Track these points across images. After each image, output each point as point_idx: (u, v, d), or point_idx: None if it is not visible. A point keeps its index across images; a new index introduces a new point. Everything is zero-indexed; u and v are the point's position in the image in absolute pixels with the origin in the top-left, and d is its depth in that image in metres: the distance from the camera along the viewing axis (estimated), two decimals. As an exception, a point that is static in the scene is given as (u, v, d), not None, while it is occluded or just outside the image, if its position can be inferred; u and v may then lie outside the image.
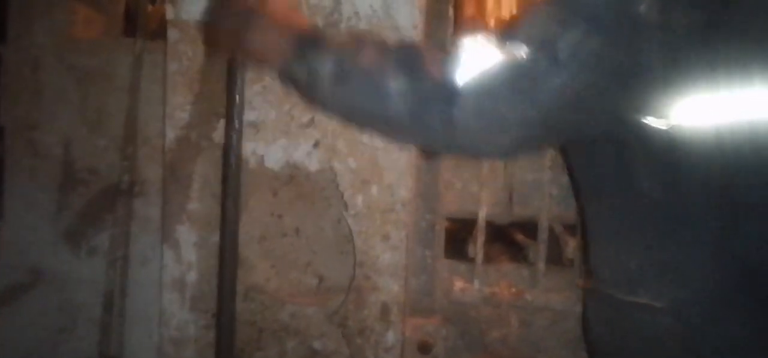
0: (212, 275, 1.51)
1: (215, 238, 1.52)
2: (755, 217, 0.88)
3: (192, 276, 1.52)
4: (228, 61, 1.30)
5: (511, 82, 0.89)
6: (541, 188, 1.69)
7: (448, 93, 0.91)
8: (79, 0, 1.95)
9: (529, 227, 1.90)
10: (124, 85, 1.76)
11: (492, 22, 1.87)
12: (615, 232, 1.01)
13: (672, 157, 0.89)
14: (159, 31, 1.84)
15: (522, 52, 0.89)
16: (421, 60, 0.95)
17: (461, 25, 1.70)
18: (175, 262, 1.52)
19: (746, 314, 0.89)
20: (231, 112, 1.27)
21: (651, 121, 0.89)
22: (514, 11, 1.89)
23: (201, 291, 1.53)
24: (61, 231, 1.80)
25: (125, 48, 1.78)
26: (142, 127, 1.75)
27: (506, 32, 0.93)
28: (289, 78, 1.06)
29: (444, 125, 0.93)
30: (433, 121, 0.94)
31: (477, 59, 0.91)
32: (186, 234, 1.51)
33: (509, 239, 2.16)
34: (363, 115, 1.03)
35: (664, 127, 0.88)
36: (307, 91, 1.04)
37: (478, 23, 1.75)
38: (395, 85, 0.94)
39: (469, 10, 1.80)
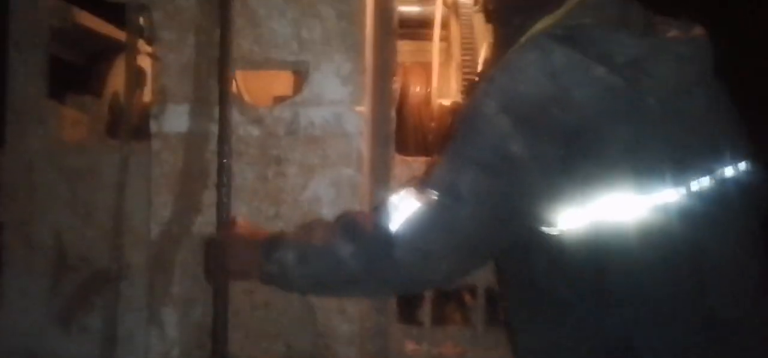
0: (193, 348, 1.73)
1: (194, 316, 1.75)
2: (623, 302, 1.13)
3: (175, 352, 1.74)
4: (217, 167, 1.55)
5: (431, 221, 1.15)
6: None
7: (387, 243, 1.16)
8: (68, 105, 2.20)
9: (473, 290, 2.17)
10: (110, 182, 1.99)
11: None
12: (525, 314, 1.28)
13: (558, 256, 1.15)
14: (142, 126, 2.08)
15: (433, 196, 1.16)
16: (360, 224, 1.21)
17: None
18: (160, 340, 1.74)
19: None
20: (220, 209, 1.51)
21: (541, 229, 1.15)
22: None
23: (183, 364, 1.74)
24: (54, 314, 2.00)
25: (111, 150, 2.01)
26: (127, 219, 1.97)
27: (422, 182, 1.20)
28: (267, 278, 1.32)
29: (391, 269, 1.18)
30: (382, 269, 1.19)
31: (403, 211, 1.17)
32: (169, 315, 1.74)
33: (461, 300, 2.43)
34: (328, 284, 1.28)
35: (551, 233, 1.14)
36: (282, 282, 1.31)
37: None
38: (345, 251, 1.19)
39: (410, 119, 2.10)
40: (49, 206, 2.01)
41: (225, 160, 1.51)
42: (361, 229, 1.20)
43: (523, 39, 1.24)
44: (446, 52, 3.51)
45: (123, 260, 1.97)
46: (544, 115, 1.13)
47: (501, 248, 1.24)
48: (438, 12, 3.17)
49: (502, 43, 1.34)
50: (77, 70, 2.44)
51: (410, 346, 1.95)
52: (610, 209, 1.12)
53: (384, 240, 1.16)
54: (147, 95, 2.25)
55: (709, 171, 1.16)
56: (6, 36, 2.01)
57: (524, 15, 1.26)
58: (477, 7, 3.88)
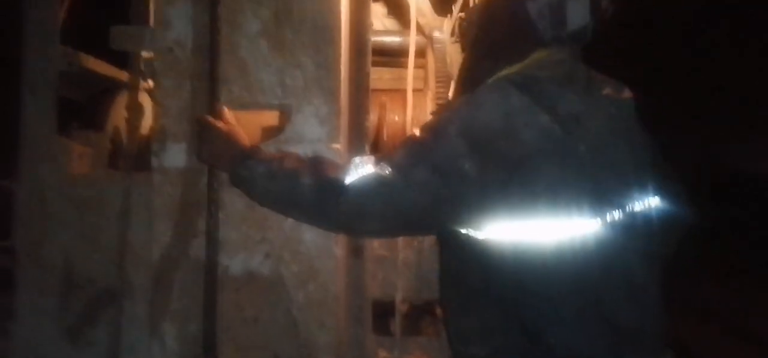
0: (190, 358, 1.96)
1: (191, 329, 1.98)
2: (535, 302, 1.38)
3: (174, 361, 1.97)
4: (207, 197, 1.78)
5: (376, 189, 1.40)
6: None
7: (338, 188, 1.42)
8: (73, 139, 2.43)
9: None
10: (115, 209, 2.22)
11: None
12: (457, 304, 1.52)
13: (485, 256, 1.39)
14: (142, 156, 2.30)
15: (386, 171, 1.40)
16: (325, 167, 1.47)
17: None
18: (161, 352, 1.96)
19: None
20: (210, 234, 1.75)
21: (471, 232, 1.40)
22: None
23: (182, 373, 1.97)
24: (63, 329, 2.22)
25: (115, 181, 2.24)
26: (130, 243, 2.20)
27: (381, 157, 1.45)
28: (235, 178, 1.57)
29: (334, 210, 1.43)
30: (327, 206, 1.44)
31: (360, 170, 1.42)
32: (169, 329, 1.96)
33: (432, 312, 2.67)
34: (283, 203, 1.53)
35: (479, 237, 1.39)
36: (246, 186, 1.56)
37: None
38: (306, 180, 1.45)
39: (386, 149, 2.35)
40: (58, 231, 2.23)
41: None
42: (323, 170, 1.46)
43: (489, 80, 1.50)
44: (423, 81, 3.75)
45: (126, 280, 2.19)
46: (494, 146, 1.38)
47: (419, 232, 1.51)
48: (412, 44, 3.42)
49: (472, 77, 1.59)
50: (80, 106, 2.67)
51: (383, 354, 2.18)
52: (532, 229, 1.37)
53: (337, 185, 1.42)
54: (145, 129, 2.49)
55: (621, 206, 1.42)
56: (19, 79, 2.24)
57: (493, 61, 1.52)
58: (452, 39, 4.15)
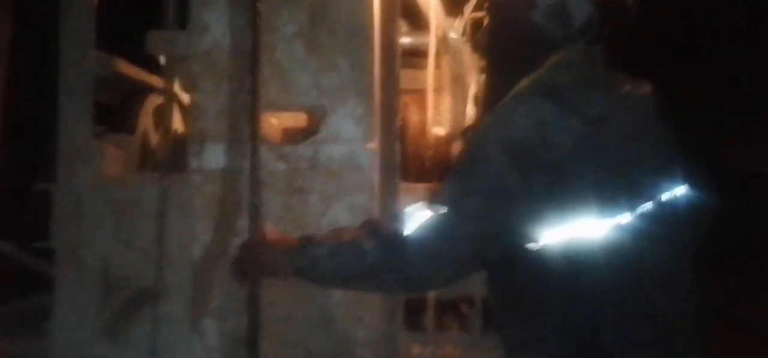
0: (232, 354, 2.00)
1: (230, 327, 2.02)
2: (589, 301, 1.41)
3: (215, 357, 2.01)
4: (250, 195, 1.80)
5: (438, 231, 1.43)
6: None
7: (402, 243, 1.43)
8: (108, 143, 2.48)
9: (471, 301, 2.46)
10: (150, 210, 2.26)
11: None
12: (511, 313, 1.56)
13: (539, 265, 1.43)
14: (173, 158, 2.35)
15: (442, 211, 1.44)
16: (382, 228, 1.49)
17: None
18: (202, 348, 2.01)
19: None
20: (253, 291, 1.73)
21: (527, 244, 1.44)
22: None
23: (222, 369, 2.01)
24: (102, 328, 2.26)
25: (150, 182, 2.29)
26: (166, 244, 2.24)
27: (432, 198, 1.48)
28: (298, 271, 1.57)
29: (403, 266, 1.44)
30: (396, 264, 1.44)
31: (416, 220, 1.45)
32: (210, 326, 2.01)
33: (456, 310, 2.72)
34: (352, 276, 1.53)
35: (534, 248, 1.43)
36: (311, 274, 1.56)
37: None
38: (368, 246, 1.46)
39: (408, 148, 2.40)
40: (95, 233, 2.28)
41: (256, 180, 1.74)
42: (383, 230, 1.48)
43: (512, 92, 1.55)
44: (438, 81, 3.81)
45: (163, 280, 2.24)
46: (533, 156, 1.42)
47: (492, 259, 1.52)
48: (432, 45, 3.47)
49: (494, 95, 1.63)
50: (110, 110, 2.72)
51: (416, 349, 2.23)
52: (580, 229, 1.41)
53: (400, 241, 1.43)
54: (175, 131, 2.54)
55: (651, 198, 1.47)
56: (57, 85, 2.29)
57: (511, 75, 1.57)
58: (465, 40, 4.21)
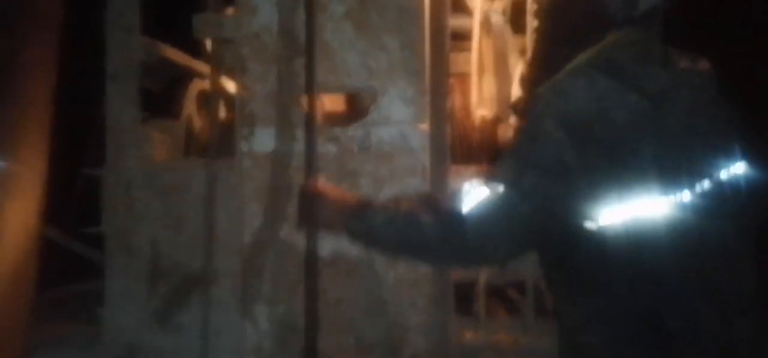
0: (282, 340, 1.98)
1: (280, 312, 2.00)
2: (652, 281, 1.36)
3: (267, 343, 2.00)
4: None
5: (496, 209, 1.39)
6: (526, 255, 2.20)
7: (460, 220, 1.40)
8: (154, 128, 2.48)
9: (520, 286, 2.41)
10: (198, 195, 2.25)
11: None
12: (568, 293, 1.51)
13: (598, 245, 1.38)
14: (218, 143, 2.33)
15: (500, 189, 1.40)
16: (440, 203, 1.46)
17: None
18: (254, 333, 1.99)
19: (643, 350, 1.37)
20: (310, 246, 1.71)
21: (585, 223, 1.39)
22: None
23: (274, 353, 2.00)
24: (151, 313, 2.27)
25: (197, 167, 2.28)
26: (215, 228, 2.23)
27: (489, 176, 1.44)
28: (351, 233, 1.56)
29: (461, 243, 1.41)
30: (453, 240, 1.42)
31: (474, 197, 1.42)
32: (261, 311, 1.99)
33: (505, 296, 2.67)
34: (406, 246, 1.51)
35: (593, 227, 1.38)
36: (365, 238, 1.54)
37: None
38: (426, 220, 1.43)
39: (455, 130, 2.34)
40: (144, 218, 2.28)
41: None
42: (441, 206, 1.45)
43: (569, 66, 1.49)
44: (480, 63, 3.74)
45: (212, 265, 2.23)
46: (591, 131, 1.37)
47: (549, 237, 1.48)
48: (476, 27, 3.40)
49: (549, 67, 1.58)
50: (154, 95, 2.72)
51: (468, 335, 2.18)
52: (642, 207, 1.36)
53: (458, 218, 1.40)
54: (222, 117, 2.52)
55: (711, 175, 1.41)
56: (104, 70, 2.29)
57: (571, 47, 1.51)
58: (506, 20, 4.12)
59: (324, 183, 1.67)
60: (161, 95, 2.72)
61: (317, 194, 1.63)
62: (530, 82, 1.73)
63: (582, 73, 1.44)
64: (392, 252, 1.59)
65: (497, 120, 2.89)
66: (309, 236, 1.71)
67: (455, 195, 1.44)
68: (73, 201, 2.58)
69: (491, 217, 1.39)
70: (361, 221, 1.52)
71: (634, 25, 1.48)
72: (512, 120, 2.84)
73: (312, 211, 1.62)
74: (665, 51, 1.53)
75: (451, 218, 1.42)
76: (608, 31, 1.49)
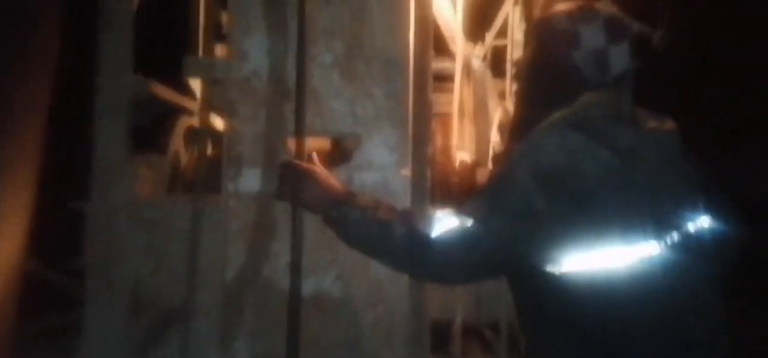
0: (261, 378, 2.02)
1: (260, 348, 2.04)
2: (615, 327, 1.44)
3: (247, 379, 2.03)
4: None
5: (460, 241, 1.47)
6: (500, 297, 2.27)
7: (427, 241, 1.49)
8: (140, 163, 2.52)
9: (495, 327, 2.47)
10: (182, 231, 2.29)
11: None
12: (538, 335, 1.58)
13: (563, 289, 1.46)
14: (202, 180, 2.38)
15: (469, 223, 1.47)
16: (414, 220, 1.54)
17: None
18: (234, 369, 2.02)
19: None
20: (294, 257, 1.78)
21: (551, 268, 1.47)
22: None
23: (253, 391, 2.03)
24: (131, 348, 2.28)
25: (181, 203, 2.32)
26: (198, 264, 2.26)
27: (460, 209, 1.52)
28: (327, 219, 1.63)
29: (424, 260, 1.51)
30: (418, 256, 1.51)
31: (444, 224, 1.49)
32: (241, 348, 2.03)
33: (480, 335, 2.73)
34: (374, 247, 1.60)
35: (557, 272, 1.46)
36: (339, 229, 1.62)
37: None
38: (398, 231, 1.52)
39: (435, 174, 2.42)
40: (127, 251, 2.30)
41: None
42: (414, 223, 1.53)
43: (544, 123, 1.59)
44: (461, 107, 3.85)
45: (193, 300, 2.26)
46: (562, 183, 1.46)
47: (514, 278, 1.56)
48: (458, 72, 3.51)
49: (526, 124, 1.68)
50: (141, 130, 2.76)
51: (443, 374, 2.24)
52: (610, 257, 1.44)
53: (426, 238, 1.49)
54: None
55: (679, 229, 1.50)
56: (91, 104, 2.33)
57: (546, 107, 1.61)
58: (486, 66, 4.25)
59: (316, 161, 1.74)
60: (148, 130, 2.76)
61: (304, 171, 1.69)
62: (510, 139, 1.82)
63: (556, 129, 1.54)
64: (360, 247, 1.66)
65: (476, 164, 2.98)
66: (293, 270, 1.76)
67: (428, 219, 1.52)
68: (56, 234, 2.59)
69: (455, 245, 1.49)
70: (339, 211, 1.60)
71: (606, 88, 1.60)
72: (491, 166, 2.93)
73: (295, 186, 1.68)
74: (634, 111, 1.64)
75: (420, 236, 1.51)
76: (581, 93, 1.60)
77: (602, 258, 1.44)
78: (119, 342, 2.28)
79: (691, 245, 1.52)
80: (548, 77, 1.65)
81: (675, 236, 1.50)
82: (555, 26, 1.63)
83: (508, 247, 1.47)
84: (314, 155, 1.75)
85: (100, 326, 2.30)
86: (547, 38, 1.64)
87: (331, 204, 1.62)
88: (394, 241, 1.53)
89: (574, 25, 1.59)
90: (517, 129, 1.75)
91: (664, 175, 1.54)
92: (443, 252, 1.49)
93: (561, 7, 1.67)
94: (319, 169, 1.72)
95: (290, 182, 1.71)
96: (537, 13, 2.96)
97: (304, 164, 1.72)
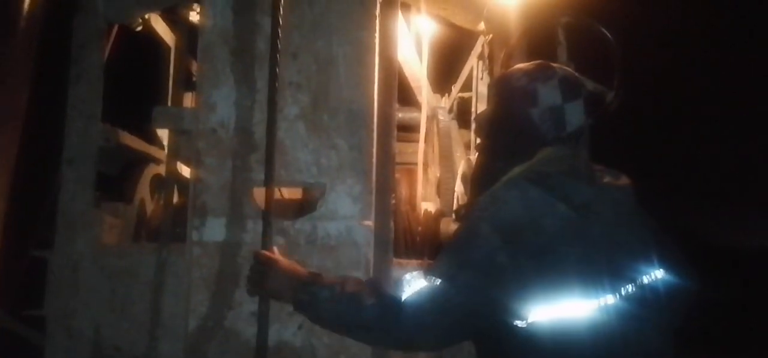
0: (223, 428, 2.01)
1: (223, 401, 2.03)
2: None
3: (207, 431, 2.01)
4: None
5: (429, 300, 1.51)
6: (462, 349, 2.29)
7: (398, 306, 1.52)
8: (105, 211, 2.52)
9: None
10: (146, 280, 2.29)
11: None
12: None
13: (527, 340, 1.50)
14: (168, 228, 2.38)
15: (436, 282, 1.52)
16: (382, 288, 1.57)
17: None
18: (194, 420, 2.01)
19: None
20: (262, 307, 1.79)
21: (514, 320, 1.51)
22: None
23: None
24: (91, 398, 2.25)
25: (146, 252, 2.33)
26: (161, 313, 2.26)
27: (428, 269, 1.56)
28: (297, 304, 1.65)
29: (396, 326, 1.52)
30: (389, 324, 1.53)
31: (413, 286, 1.53)
32: (203, 399, 2.02)
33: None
34: (346, 323, 1.61)
35: (521, 325, 1.50)
36: (309, 310, 1.64)
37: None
38: (368, 301, 1.54)
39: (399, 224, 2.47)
40: (89, 301, 2.29)
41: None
42: (382, 291, 1.56)
43: (504, 178, 1.65)
44: (426, 157, 3.92)
45: (156, 350, 2.25)
46: (522, 236, 1.52)
47: (481, 331, 1.59)
48: (423, 123, 3.59)
49: (487, 178, 1.74)
50: (109, 178, 2.77)
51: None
52: (567, 308, 1.49)
53: (396, 304, 1.52)
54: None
55: (633, 281, 1.56)
56: (60, 154, 2.34)
57: (506, 161, 1.68)
58: (452, 117, 4.35)
59: (277, 253, 1.76)
60: (115, 178, 2.77)
61: (270, 261, 1.71)
62: (473, 190, 1.89)
63: (515, 184, 1.61)
64: (333, 326, 1.68)
65: (440, 214, 3.04)
66: (260, 315, 1.77)
67: (397, 284, 1.56)
68: (17, 282, 2.56)
69: (425, 306, 1.52)
70: (308, 293, 1.62)
71: (563, 143, 1.67)
72: (455, 217, 2.99)
73: (263, 277, 1.70)
74: (589, 166, 1.72)
75: (390, 302, 1.53)
76: (539, 147, 1.68)
77: (562, 309, 1.49)
78: (79, 393, 2.25)
79: (645, 296, 1.58)
80: (508, 132, 1.72)
81: (629, 287, 1.56)
82: (514, 84, 1.71)
83: (475, 302, 1.51)
84: (277, 251, 1.78)
85: (59, 376, 2.27)
86: (506, 95, 1.72)
87: (299, 287, 1.64)
88: (365, 312, 1.55)
89: (531, 83, 1.67)
90: (480, 180, 1.81)
91: (619, 229, 1.61)
92: (414, 314, 1.52)
93: (520, 65, 1.76)
94: (283, 259, 1.75)
95: (258, 275, 1.74)
96: (497, 69, 3.07)
97: (267, 253, 1.74)
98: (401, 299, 1.52)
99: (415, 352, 2.19)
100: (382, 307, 1.54)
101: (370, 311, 1.54)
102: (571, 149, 1.70)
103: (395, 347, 1.82)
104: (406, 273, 1.62)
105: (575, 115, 1.67)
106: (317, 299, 1.60)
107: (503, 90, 1.75)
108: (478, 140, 1.95)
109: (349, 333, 1.69)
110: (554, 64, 1.73)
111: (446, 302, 1.50)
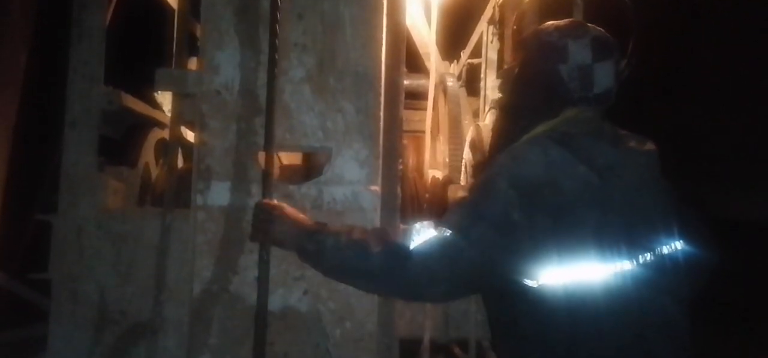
0: (227, 393, 2.00)
1: (227, 363, 2.02)
2: (587, 341, 1.46)
3: (212, 395, 2.01)
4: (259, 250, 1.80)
5: (440, 251, 1.48)
6: (469, 315, 2.28)
7: (406, 255, 1.48)
8: (109, 175, 2.49)
9: (464, 344, 2.48)
10: (151, 244, 2.27)
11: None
12: (510, 351, 1.59)
13: (538, 302, 1.47)
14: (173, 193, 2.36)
15: (448, 233, 1.48)
16: (390, 236, 1.54)
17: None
18: (199, 385, 2.00)
19: None
20: (262, 272, 1.78)
21: (525, 281, 1.48)
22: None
23: (218, 406, 2.01)
24: (96, 361, 2.25)
25: (151, 216, 2.30)
26: (165, 278, 2.24)
27: (440, 220, 1.52)
28: (302, 252, 1.62)
29: (403, 276, 1.50)
30: (396, 273, 1.51)
31: (423, 235, 1.50)
32: (208, 363, 2.01)
33: (449, 353, 2.74)
34: (353, 272, 1.58)
35: (533, 285, 1.47)
36: (314, 259, 1.61)
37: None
38: (374, 249, 1.51)
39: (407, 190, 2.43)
40: (94, 265, 2.28)
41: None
42: (390, 238, 1.52)
43: (526, 136, 1.61)
44: (435, 124, 3.87)
45: (160, 315, 2.23)
46: (539, 195, 1.48)
47: (491, 290, 1.57)
48: (431, 89, 3.54)
49: (509, 135, 1.70)
50: (111, 143, 2.74)
51: (412, 392, 2.23)
52: (582, 272, 1.46)
53: (404, 252, 1.48)
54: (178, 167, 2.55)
55: (651, 249, 1.52)
56: (63, 117, 2.31)
57: (529, 119, 1.64)
58: (461, 84, 4.29)
59: (281, 202, 1.74)
60: (119, 142, 2.74)
61: (275, 209, 1.69)
62: (492, 148, 1.84)
63: (537, 142, 1.57)
64: (338, 274, 1.66)
65: (448, 181, 3.00)
66: (260, 284, 1.75)
67: (405, 232, 1.52)
68: (21, 246, 2.55)
69: (435, 256, 1.48)
70: (314, 241, 1.59)
71: (589, 104, 1.62)
72: (463, 182, 2.95)
73: (267, 225, 1.68)
74: (615, 130, 1.67)
75: (398, 250, 1.50)
76: (565, 107, 1.63)
77: (577, 272, 1.46)
78: (85, 356, 2.25)
79: (663, 266, 1.54)
80: (534, 89, 1.67)
81: (648, 255, 1.52)
82: (544, 38, 1.66)
83: (488, 257, 1.47)
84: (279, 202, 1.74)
85: (65, 339, 2.27)
86: (535, 50, 1.67)
87: (305, 236, 1.61)
88: (372, 259, 1.51)
89: (562, 39, 1.62)
90: (500, 139, 1.76)
91: (640, 195, 1.56)
92: (422, 263, 1.48)
93: (552, 22, 1.70)
94: (287, 207, 1.72)
95: (261, 223, 1.71)
96: (508, 33, 3.01)
97: (273, 202, 1.72)
98: (409, 247, 1.49)
99: (421, 304, 2.16)
100: (389, 255, 1.51)
101: (376, 258, 1.51)
102: (597, 111, 1.65)
103: (400, 296, 1.80)
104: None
105: (604, 75, 1.62)
106: (323, 246, 1.57)
107: (533, 44, 1.69)
108: (500, 97, 1.89)
109: (355, 282, 1.67)
110: (588, 24, 1.67)
111: (457, 254, 1.47)
